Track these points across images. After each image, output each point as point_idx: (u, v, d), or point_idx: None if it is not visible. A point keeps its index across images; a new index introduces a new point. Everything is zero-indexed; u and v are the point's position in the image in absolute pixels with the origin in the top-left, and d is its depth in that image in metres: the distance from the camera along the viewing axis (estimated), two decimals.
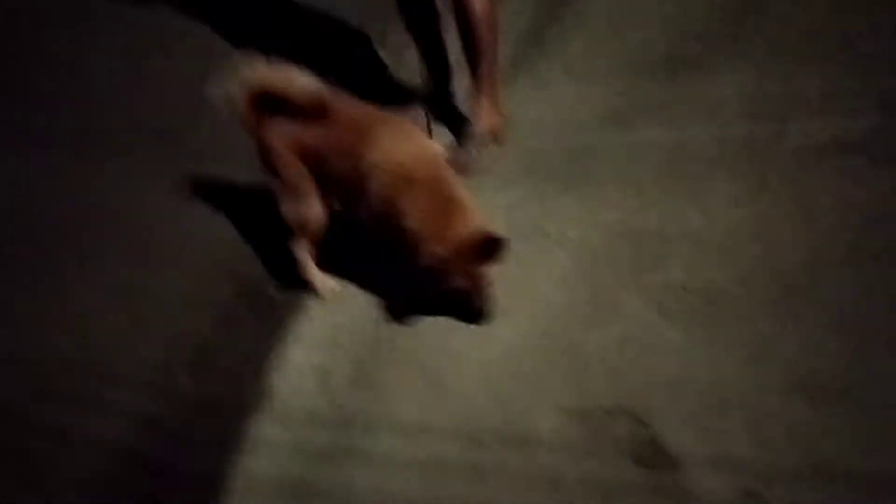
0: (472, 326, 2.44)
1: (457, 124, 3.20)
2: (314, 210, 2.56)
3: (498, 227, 2.70)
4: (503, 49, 3.56)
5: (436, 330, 2.48)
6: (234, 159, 2.87)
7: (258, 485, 2.21)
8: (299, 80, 2.36)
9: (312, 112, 2.41)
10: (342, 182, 2.47)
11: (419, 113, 3.35)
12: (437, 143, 2.66)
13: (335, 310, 2.63)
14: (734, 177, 2.65)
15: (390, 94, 3.47)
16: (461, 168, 3.03)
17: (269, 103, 2.40)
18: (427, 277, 2.31)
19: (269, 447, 2.28)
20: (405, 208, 2.32)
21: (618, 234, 2.59)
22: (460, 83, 3.26)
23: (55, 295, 2.85)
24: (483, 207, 2.80)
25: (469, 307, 2.43)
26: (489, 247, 2.29)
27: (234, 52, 2.66)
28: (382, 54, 3.78)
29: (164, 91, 3.61)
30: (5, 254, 3.03)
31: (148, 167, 3.26)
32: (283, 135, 2.44)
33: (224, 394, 2.47)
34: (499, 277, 2.52)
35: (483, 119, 3.10)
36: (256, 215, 2.85)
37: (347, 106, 2.50)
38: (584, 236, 2.63)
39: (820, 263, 2.28)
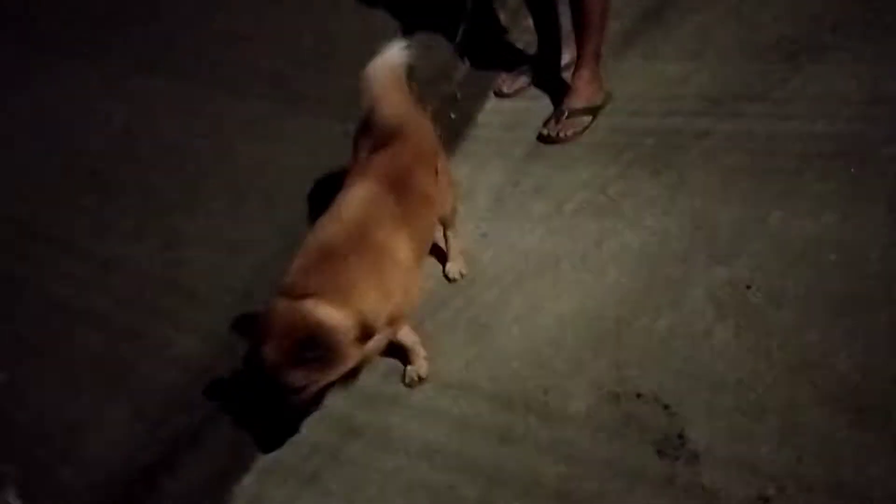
0: (530, 291, 2.49)
1: (558, 94, 3.20)
2: None
3: (572, 201, 2.75)
4: (620, 21, 3.54)
5: (491, 295, 2.53)
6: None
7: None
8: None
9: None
10: None
11: (526, 77, 3.38)
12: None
13: None
14: (827, 178, 2.53)
15: (503, 57, 3.51)
16: (551, 138, 3.06)
17: None
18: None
19: None
20: None
21: (693, 223, 2.54)
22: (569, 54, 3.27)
23: (158, 213, 3.10)
24: (564, 181, 2.86)
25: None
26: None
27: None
28: (502, 16, 3.82)
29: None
30: (122, 169, 3.32)
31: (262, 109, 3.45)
32: None
33: None
34: (563, 248, 2.55)
35: (581, 92, 3.09)
36: None
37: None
38: (659, 221, 2.59)
39: None
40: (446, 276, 2.63)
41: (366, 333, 1.92)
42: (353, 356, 1.92)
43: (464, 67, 3.46)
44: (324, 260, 1.94)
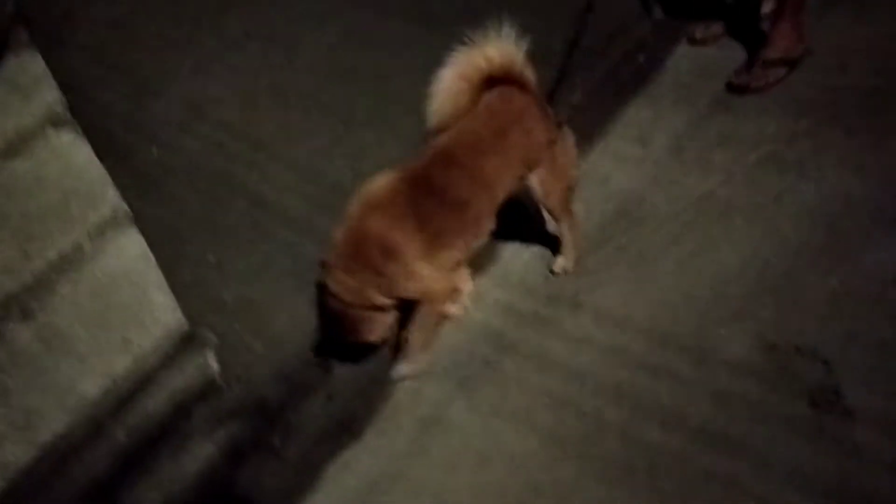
0: (700, 236, 2.49)
1: (754, 45, 3.10)
2: None
3: (756, 152, 2.69)
4: None
5: (659, 235, 2.56)
6: None
7: (467, 327, 2.52)
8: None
9: None
10: None
11: (721, 24, 3.29)
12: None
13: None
14: None
15: (700, 3, 3.43)
16: (741, 88, 2.99)
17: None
18: None
19: (483, 301, 2.58)
20: None
21: (882, 185, 2.44)
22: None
23: (350, 129, 3.33)
24: (749, 132, 2.79)
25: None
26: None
27: None
28: None
29: None
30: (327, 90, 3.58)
31: None
32: None
33: None
34: (739, 198, 2.53)
35: (777, 42, 2.98)
36: None
37: None
38: (846, 182, 2.50)
39: None
40: (551, 271, 2.56)
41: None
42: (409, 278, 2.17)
43: (657, 10, 3.43)
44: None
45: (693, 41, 3.35)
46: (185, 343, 2.50)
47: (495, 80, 2.20)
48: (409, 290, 2.24)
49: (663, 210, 2.65)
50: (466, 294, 2.54)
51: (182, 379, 2.46)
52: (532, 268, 2.64)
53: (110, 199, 2.61)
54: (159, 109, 3.57)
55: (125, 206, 2.64)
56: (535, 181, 2.34)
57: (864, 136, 2.63)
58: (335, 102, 3.43)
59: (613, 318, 2.38)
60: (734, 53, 3.15)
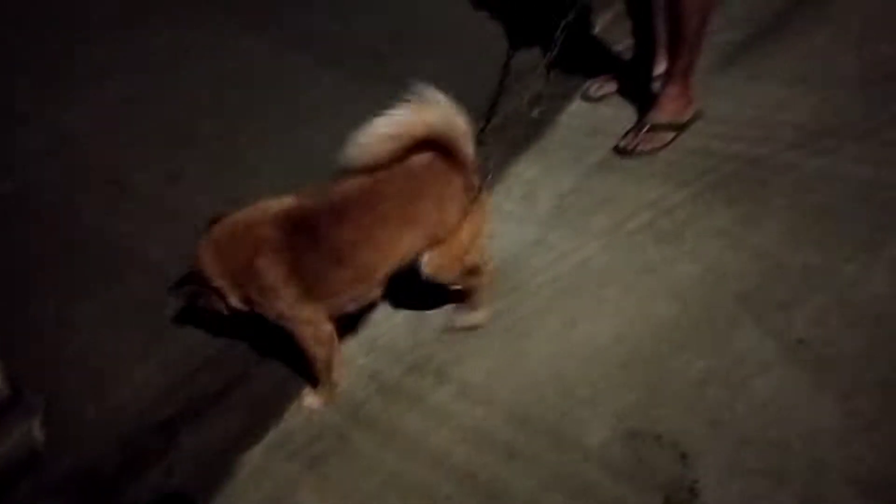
0: (573, 307, 2.40)
1: (646, 105, 3.06)
2: None
3: (635, 220, 2.62)
4: (731, 33, 3.38)
5: (532, 304, 2.45)
6: None
7: None
8: None
9: None
10: None
11: (616, 83, 3.25)
12: None
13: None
14: None
15: (597, 60, 3.40)
16: (627, 150, 2.93)
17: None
18: None
19: (348, 366, 2.41)
20: None
21: (758, 263, 2.39)
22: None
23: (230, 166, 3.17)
24: (631, 197, 2.73)
25: None
26: None
27: None
28: (605, 18, 3.71)
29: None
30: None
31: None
32: None
33: None
34: (615, 268, 2.45)
35: (666, 106, 2.95)
36: None
37: None
38: (722, 256, 2.44)
39: None
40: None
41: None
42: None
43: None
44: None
45: (587, 98, 3.32)
46: (6, 409, 2.25)
47: (428, 144, 2.04)
48: (268, 314, 2.14)
49: (541, 276, 2.55)
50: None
51: (1, 450, 2.20)
52: (403, 332, 2.49)
53: None
54: (22, 139, 3.31)
55: None
56: (425, 258, 2.16)
57: (743, 207, 2.60)
58: (209, 139, 3.24)
59: (477, 393, 2.24)
60: (626, 113, 3.13)
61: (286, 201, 2.10)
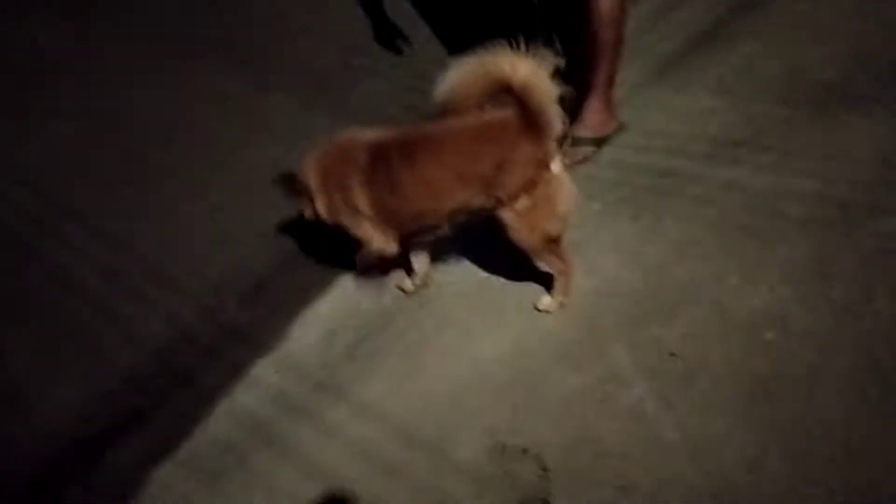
0: (472, 323, 2.48)
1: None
2: None
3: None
4: (663, 45, 3.41)
5: (433, 320, 2.54)
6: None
7: (234, 414, 2.46)
8: None
9: None
10: None
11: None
12: None
13: (370, 284, 2.74)
14: (799, 247, 2.34)
15: None
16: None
17: None
18: None
19: (258, 386, 2.52)
20: None
21: (647, 276, 2.44)
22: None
23: (149, 188, 3.32)
24: None
25: None
26: None
27: None
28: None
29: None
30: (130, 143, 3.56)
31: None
32: None
33: (252, 328, 2.72)
34: (515, 283, 2.53)
35: (587, 120, 3.00)
36: None
37: None
38: (616, 269, 2.50)
39: (821, 383, 2.00)
40: (536, 307, 2.46)
41: None
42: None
43: None
44: None
45: None
46: None
47: (512, 97, 2.02)
48: (346, 226, 2.40)
49: (446, 290, 2.63)
50: (420, 273, 2.62)
51: None
52: (314, 350, 2.59)
53: None
54: None
55: None
56: (506, 218, 2.23)
57: (646, 220, 2.64)
58: (161, 170, 3.40)
59: (371, 411, 2.34)
60: None
61: (375, 133, 2.31)
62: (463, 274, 2.67)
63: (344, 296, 2.74)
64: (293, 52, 3.99)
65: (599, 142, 3.01)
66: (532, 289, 2.51)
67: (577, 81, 3.12)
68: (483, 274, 2.65)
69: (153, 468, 2.36)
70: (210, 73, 3.94)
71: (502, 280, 2.60)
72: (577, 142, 2.99)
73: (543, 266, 2.39)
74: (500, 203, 2.19)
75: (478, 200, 2.21)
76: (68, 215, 3.23)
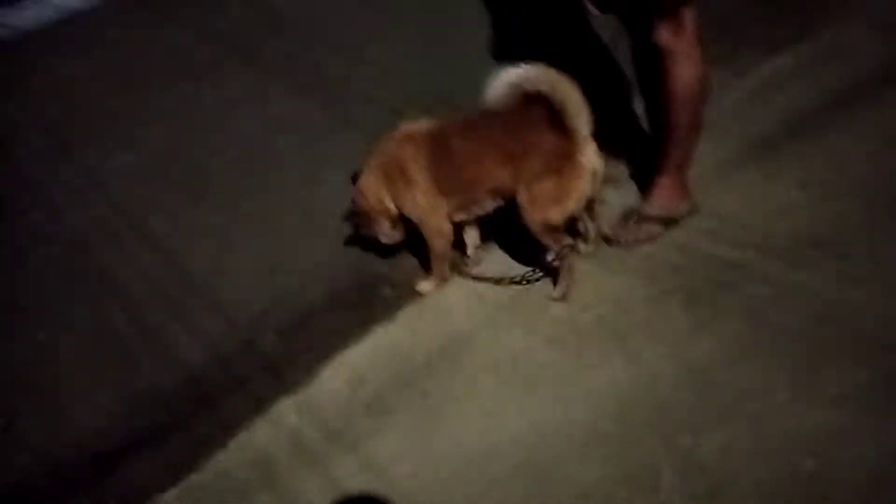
0: (498, 396, 2.39)
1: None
2: None
3: (590, 313, 2.58)
4: (760, 126, 3.21)
5: (460, 387, 2.45)
6: None
7: (247, 450, 2.43)
8: None
9: None
10: None
11: (624, 171, 3.16)
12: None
13: (406, 337, 2.70)
14: (861, 372, 2.14)
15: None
16: (608, 240, 2.86)
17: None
18: None
19: (277, 424, 2.49)
20: None
21: (691, 375, 2.29)
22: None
23: (213, 210, 3.39)
24: (594, 287, 2.66)
25: None
26: None
27: None
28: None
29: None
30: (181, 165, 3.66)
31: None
32: None
33: (284, 363, 2.71)
34: (552, 363, 2.44)
35: (657, 198, 2.86)
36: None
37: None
38: (659, 363, 2.35)
39: None
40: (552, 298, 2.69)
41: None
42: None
43: None
44: None
45: None
46: None
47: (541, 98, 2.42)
48: (409, 211, 2.75)
49: (480, 358, 2.54)
50: (472, 248, 2.94)
51: None
52: (337, 397, 2.54)
53: None
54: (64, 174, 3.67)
55: None
56: (520, 198, 2.58)
57: (700, 314, 2.48)
58: (229, 194, 3.46)
59: (378, 468, 2.27)
60: (628, 197, 3.02)
61: (426, 123, 2.72)
62: (499, 344, 2.57)
63: (377, 345, 2.69)
64: (368, 89, 4.02)
65: (667, 222, 2.86)
66: (568, 369, 2.39)
67: (653, 155, 3.02)
68: (521, 345, 2.54)
69: (158, 493, 2.36)
70: (294, 104, 4.01)
71: (539, 356, 2.48)
72: (643, 219, 2.86)
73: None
74: (521, 182, 2.54)
75: (508, 177, 2.57)
76: (132, 226, 3.32)
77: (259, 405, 2.56)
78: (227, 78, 4.28)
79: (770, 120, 3.31)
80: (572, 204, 2.54)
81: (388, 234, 2.84)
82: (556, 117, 2.41)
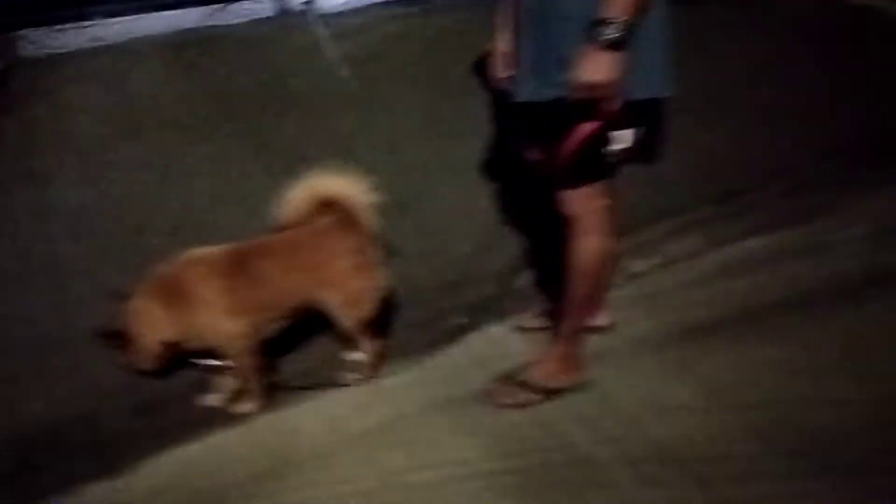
0: None
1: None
2: None
3: (425, 474, 2.54)
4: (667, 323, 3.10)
5: None
6: None
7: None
8: None
9: None
10: None
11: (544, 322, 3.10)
12: None
13: None
14: None
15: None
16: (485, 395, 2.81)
17: None
18: None
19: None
20: None
21: None
22: None
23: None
24: (442, 447, 2.64)
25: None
26: None
27: None
28: None
29: None
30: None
31: None
32: None
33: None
34: None
35: (542, 365, 2.81)
36: None
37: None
38: None
39: None
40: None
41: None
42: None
43: None
44: None
45: (520, 328, 3.17)
46: None
47: (333, 206, 2.69)
48: (207, 336, 2.69)
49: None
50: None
51: None
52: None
53: None
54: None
55: None
56: (331, 303, 2.77)
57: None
58: None
59: None
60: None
61: (217, 248, 2.72)
62: (332, 482, 2.55)
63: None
64: None
65: (545, 392, 2.78)
66: None
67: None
68: (350, 488, 2.51)
69: None
70: None
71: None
72: (523, 384, 2.80)
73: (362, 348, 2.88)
74: (330, 287, 2.74)
75: (315, 286, 2.74)
76: None
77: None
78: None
79: (707, 310, 3.21)
80: (371, 291, 2.79)
81: (149, 361, 2.69)
82: (351, 219, 2.67)
